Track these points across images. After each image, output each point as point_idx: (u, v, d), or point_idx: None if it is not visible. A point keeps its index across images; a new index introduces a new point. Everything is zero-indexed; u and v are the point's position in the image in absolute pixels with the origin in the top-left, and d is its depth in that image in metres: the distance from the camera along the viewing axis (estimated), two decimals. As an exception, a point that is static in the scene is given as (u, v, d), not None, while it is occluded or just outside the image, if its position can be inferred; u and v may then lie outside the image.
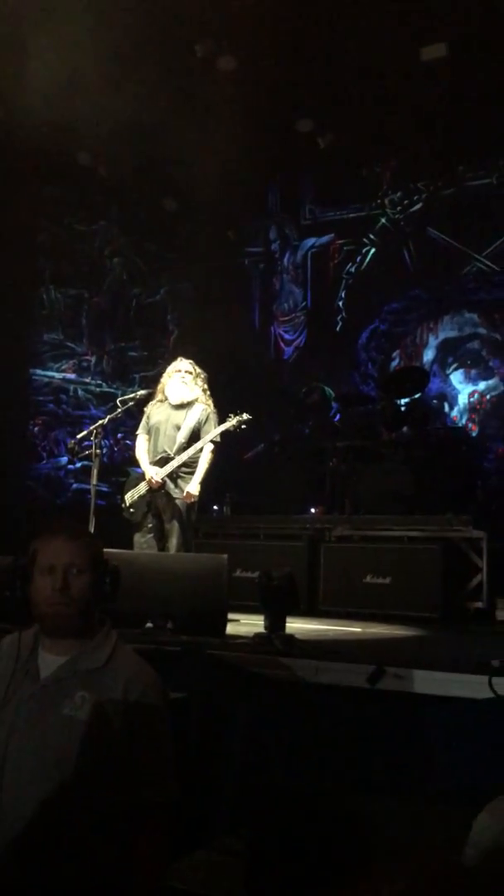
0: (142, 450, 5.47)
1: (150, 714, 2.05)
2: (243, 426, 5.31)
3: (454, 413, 8.87)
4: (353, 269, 9.64)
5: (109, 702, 2.01)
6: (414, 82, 8.15)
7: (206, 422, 5.28)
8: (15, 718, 2.01)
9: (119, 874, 1.92)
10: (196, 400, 5.36)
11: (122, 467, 8.67)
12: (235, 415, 5.32)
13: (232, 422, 5.27)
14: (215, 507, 7.58)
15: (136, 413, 6.22)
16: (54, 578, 2.06)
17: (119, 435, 9.35)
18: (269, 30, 7.78)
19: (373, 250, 9.54)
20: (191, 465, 5.24)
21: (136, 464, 5.65)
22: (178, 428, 5.27)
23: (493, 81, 8.11)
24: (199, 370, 5.46)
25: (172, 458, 5.21)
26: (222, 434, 5.28)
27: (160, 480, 5.18)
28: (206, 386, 5.43)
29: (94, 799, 1.95)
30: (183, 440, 5.24)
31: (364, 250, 9.59)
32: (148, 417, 5.54)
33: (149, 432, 5.47)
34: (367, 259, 9.57)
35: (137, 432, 5.59)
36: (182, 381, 5.37)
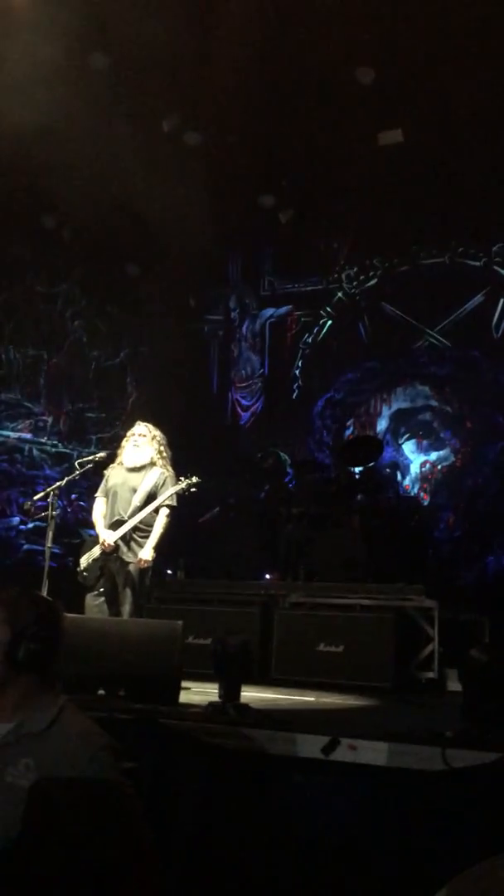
0: (98, 513, 5.43)
1: (102, 776, 1.98)
2: (192, 489, 5.31)
3: (406, 482, 9.03)
4: (309, 340, 9.87)
5: (55, 767, 1.95)
6: (373, 164, 8.52)
7: (162, 485, 5.28)
8: None
9: None
10: (152, 463, 5.36)
11: (75, 529, 8.60)
12: (185, 478, 5.34)
13: (182, 485, 5.27)
14: (168, 572, 7.53)
15: (91, 475, 6.20)
16: None
17: (73, 496, 9.29)
18: (235, 109, 8.10)
19: (329, 322, 9.80)
20: (145, 529, 5.22)
21: (91, 526, 5.61)
22: (135, 491, 5.27)
23: (447, 166, 8.52)
24: (155, 433, 5.48)
25: (126, 521, 5.19)
26: (176, 497, 5.29)
27: (113, 544, 5.15)
28: (162, 448, 5.43)
29: (44, 866, 1.88)
30: (138, 503, 5.22)
31: (321, 322, 9.84)
32: (106, 480, 5.52)
33: (107, 495, 5.46)
34: (324, 330, 9.82)
35: (96, 495, 5.57)
36: (135, 444, 5.40)
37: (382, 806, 3.18)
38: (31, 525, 8.62)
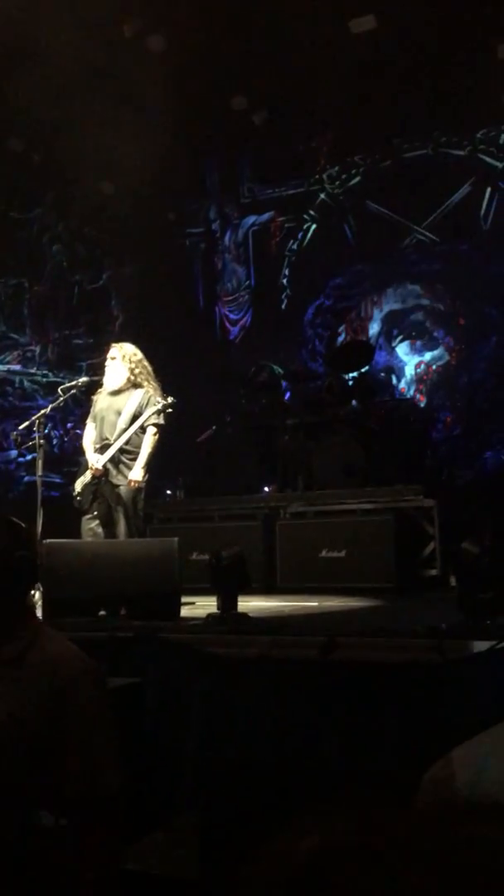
0: (87, 438, 5.46)
1: (78, 702, 1.91)
2: (169, 409, 5.26)
3: (402, 385, 8.94)
4: (294, 246, 9.62)
5: (29, 694, 1.89)
6: (346, 55, 8.12)
7: (146, 405, 5.24)
8: None
9: (61, 877, 1.81)
10: (134, 384, 5.31)
11: (73, 457, 8.59)
12: (163, 399, 5.27)
13: (158, 406, 5.21)
14: (168, 492, 7.56)
15: (84, 402, 6.14)
16: None
17: (69, 425, 9.26)
18: (197, 8, 7.70)
19: (313, 226, 9.53)
20: (133, 451, 5.21)
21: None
22: (119, 413, 5.24)
23: (424, 52, 8.12)
24: (126, 351, 5.39)
25: (112, 444, 5.18)
26: (163, 416, 5.24)
27: (102, 468, 5.16)
28: (134, 366, 5.34)
29: (25, 798, 1.85)
30: (123, 425, 5.21)
31: (305, 226, 9.57)
32: (94, 406, 5.52)
33: (94, 420, 5.45)
34: (309, 235, 9.55)
35: (86, 421, 5.58)
36: (109, 366, 5.35)
37: (382, 701, 3.23)
38: (29, 457, 8.61)
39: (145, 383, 5.31)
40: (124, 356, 5.33)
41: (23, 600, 2.06)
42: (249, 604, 4.55)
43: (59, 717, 1.89)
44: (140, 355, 5.39)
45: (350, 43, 7.99)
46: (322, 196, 9.45)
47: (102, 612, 4.09)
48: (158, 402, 5.18)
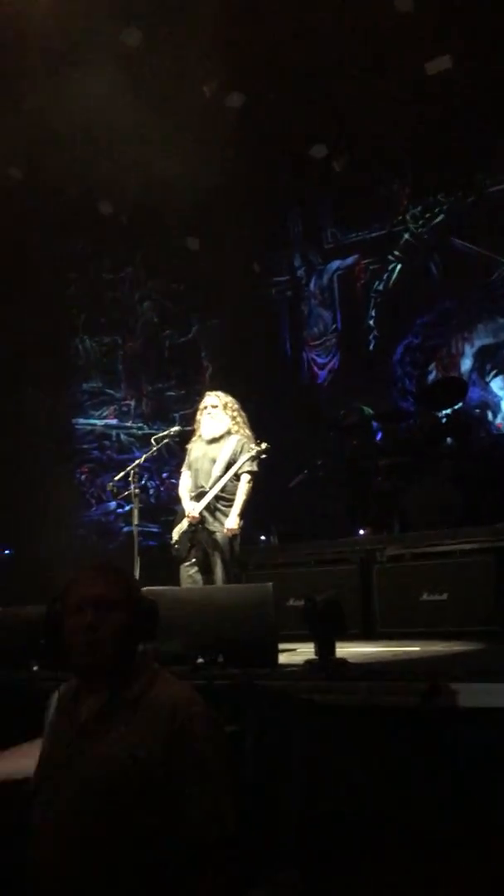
0: (183, 487, 5.52)
1: (195, 744, 1.93)
2: (263, 455, 5.28)
3: (498, 420, 8.73)
4: (380, 287, 9.61)
5: (148, 735, 1.91)
6: (423, 95, 8.18)
7: (240, 452, 5.28)
8: (57, 766, 1.97)
9: None
10: (228, 431, 5.37)
11: (169, 506, 8.74)
12: (256, 444, 5.31)
13: (253, 452, 5.25)
14: (262, 538, 7.55)
15: (178, 451, 6.26)
16: (83, 616, 1.98)
17: (164, 474, 9.44)
18: (272, 60, 7.92)
19: (399, 266, 9.51)
20: (229, 498, 5.24)
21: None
22: (214, 461, 5.30)
23: (500, 85, 8.08)
24: (226, 400, 5.47)
25: (208, 492, 5.23)
26: (256, 462, 5.27)
27: (198, 515, 5.21)
28: (235, 414, 5.42)
29: (142, 839, 1.86)
30: (219, 473, 5.26)
31: (390, 267, 9.56)
32: (188, 454, 5.60)
33: (190, 468, 5.52)
34: (394, 275, 9.53)
35: (181, 470, 5.66)
36: (209, 415, 5.41)
37: (488, 749, 3.10)
38: (127, 508, 8.80)
39: (241, 431, 5.37)
40: (225, 405, 5.41)
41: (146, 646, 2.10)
42: (349, 649, 4.47)
43: (176, 759, 1.91)
44: (237, 404, 5.47)
45: (426, 82, 8.03)
46: (406, 236, 9.44)
47: (200, 660, 4.08)
48: (252, 449, 5.22)
